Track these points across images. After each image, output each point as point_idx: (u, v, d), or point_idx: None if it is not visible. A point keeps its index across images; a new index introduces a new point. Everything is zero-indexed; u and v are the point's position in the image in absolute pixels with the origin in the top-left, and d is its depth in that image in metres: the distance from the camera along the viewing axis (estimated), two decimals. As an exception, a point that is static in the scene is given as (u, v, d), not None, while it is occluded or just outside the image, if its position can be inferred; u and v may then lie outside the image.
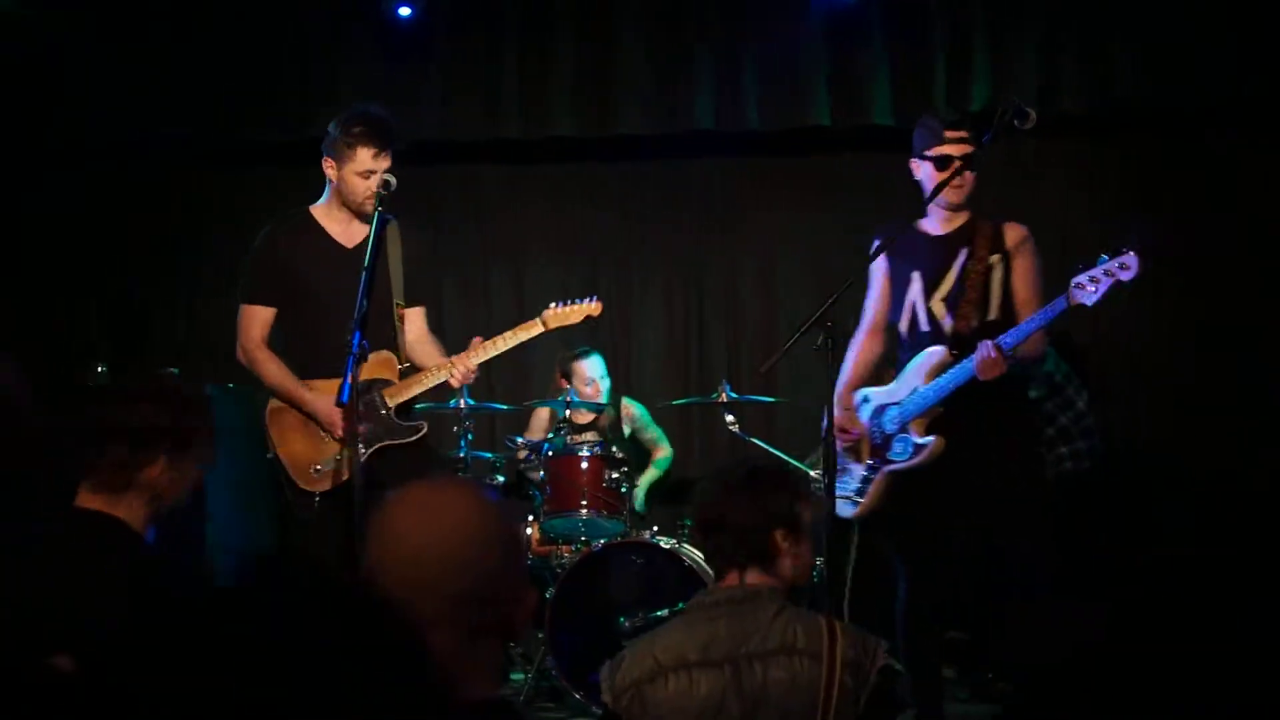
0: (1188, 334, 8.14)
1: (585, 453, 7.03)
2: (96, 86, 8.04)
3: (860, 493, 5.65)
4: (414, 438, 5.55)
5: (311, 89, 8.13)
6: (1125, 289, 5.10)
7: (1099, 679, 5.22)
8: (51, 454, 2.81)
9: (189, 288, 8.84)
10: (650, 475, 8.05)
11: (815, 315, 5.03)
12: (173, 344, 8.74)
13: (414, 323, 5.75)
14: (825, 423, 5.49)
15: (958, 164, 5.46)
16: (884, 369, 5.91)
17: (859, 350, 5.80)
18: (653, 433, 8.18)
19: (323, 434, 5.49)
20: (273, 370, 5.60)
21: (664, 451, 8.16)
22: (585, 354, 7.96)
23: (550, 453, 7.13)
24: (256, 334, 5.64)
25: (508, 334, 5.56)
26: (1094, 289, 5.06)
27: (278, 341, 5.66)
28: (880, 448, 5.61)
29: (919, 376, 5.48)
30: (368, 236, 5.41)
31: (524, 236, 8.79)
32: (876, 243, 5.68)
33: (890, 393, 5.60)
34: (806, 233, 8.68)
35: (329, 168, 5.54)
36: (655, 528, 7.04)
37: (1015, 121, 5.37)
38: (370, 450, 5.46)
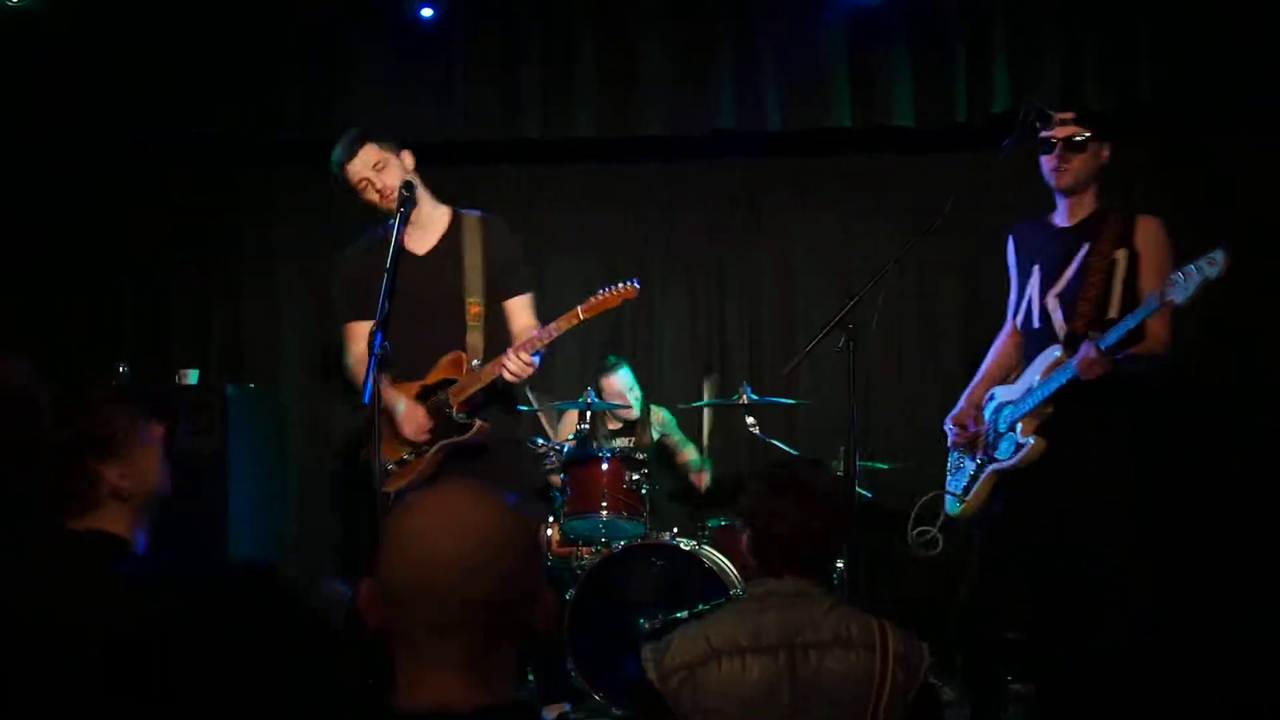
0: (1206, 335, 8.10)
1: (605, 454, 7.03)
2: (119, 85, 8.06)
3: (966, 490, 5.63)
4: (468, 435, 5.55)
5: (332, 89, 8.13)
6: (1211, 285, 5.03)
7: (1122, 678, 5.22)
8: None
9: (211, 287, 8.86)
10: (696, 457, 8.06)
11: (836, 318, 5.01)
12: (194, 344, 8.76)
13: (519, 316, 5.77)
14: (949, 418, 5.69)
15: (1059, 146, 5.41)
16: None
17: (997, 350, 5.82)
18: (678, 437, 8.17)
19: (397, 434, 5.56)
20: (361, 375, 5.67)
21: (690, 455, 8.11)
22: (613, 368, 8.01)
23: (571, 454, 7.14)
24: (358, 348, 5.73)
25: (551, 326, 5.52)
26: (1185, 285, 4.95)
27: None
28: (991, 446, 5.57)
29: (1036, 374, 5.43)
30: (439, 242, 5.66)
31: (544, 237, 8.78)
32: (1010, 239, 5.73)
33: (1011, 391, 5.57)
34: (828, 234, 8.67)
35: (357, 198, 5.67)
36: (675, 529, 7.05)
37: (1038, 124, 5.35)
38: (433, 449, 5.52)
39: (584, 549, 7.18)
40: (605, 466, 6.98)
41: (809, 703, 3.24)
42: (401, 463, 5.54)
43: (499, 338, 5.69)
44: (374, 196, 5.55)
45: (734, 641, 3.30)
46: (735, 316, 8.77)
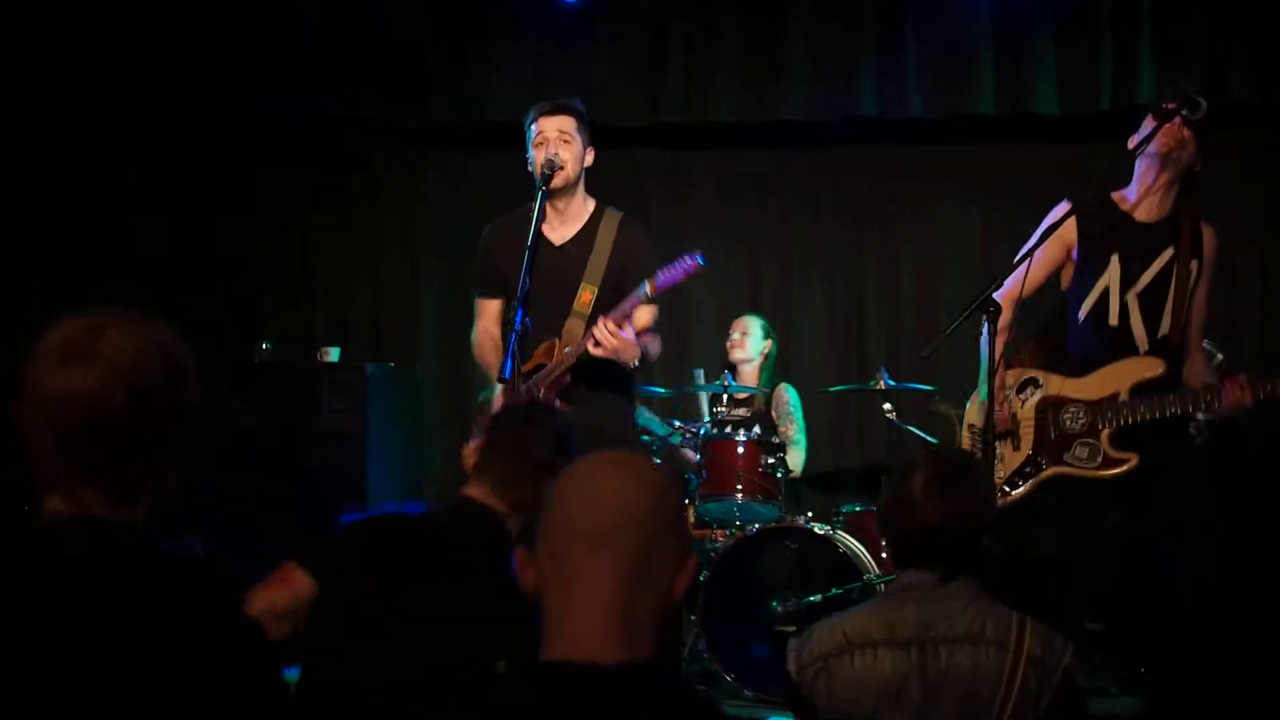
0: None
1: (742, 437, 7.02)
2: (263, 62, 8.24)
3: (1012, 484, 5.42)
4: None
5: (475, 73, 8.23)
6: None
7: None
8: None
9: (353, 266, 9.01)
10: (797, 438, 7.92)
11: (977, 301, 4.91)
12: (335, 322, 8.90)
13: (640, 320, 5.60)
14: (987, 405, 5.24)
15: (1179, 115, 5.22)
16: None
17: (1005, 325, 5.40)
18: (790, 428, 7.91)
19: None
20: (482, 352, 5.81)
21: (796, 455, 7.83)
22: (749, 313, 8.10)
23: (707, 436, 7.14)
24: (482, 324, 5.86)
25: (626, 302, 5.39)
26: None
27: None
28: (1053, 445, 5.36)
29: (1120, 382, 5.27)
30: (576, 234, 5.65)
31: (685, 222, 8.81)
32: (1065, 206, 5.44)
33: (1075, 388, 5.38)
34: (968, 222, 8.63)
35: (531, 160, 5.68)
36: (810, 513, 7.03)
37: (1185, 112, 5.23)
38: None
39: (718, 531, 7.18)
40: (741, 450, 6.96)
41: (939, 698, 3.22)
42: None
43: None
44: (540, 156, 5.53)
45: (867, 635, 3.29)
46: (875, 303, 8.76)
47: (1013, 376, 5.52)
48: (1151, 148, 5.27)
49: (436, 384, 8.60)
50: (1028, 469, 5.41)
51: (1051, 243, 5.39)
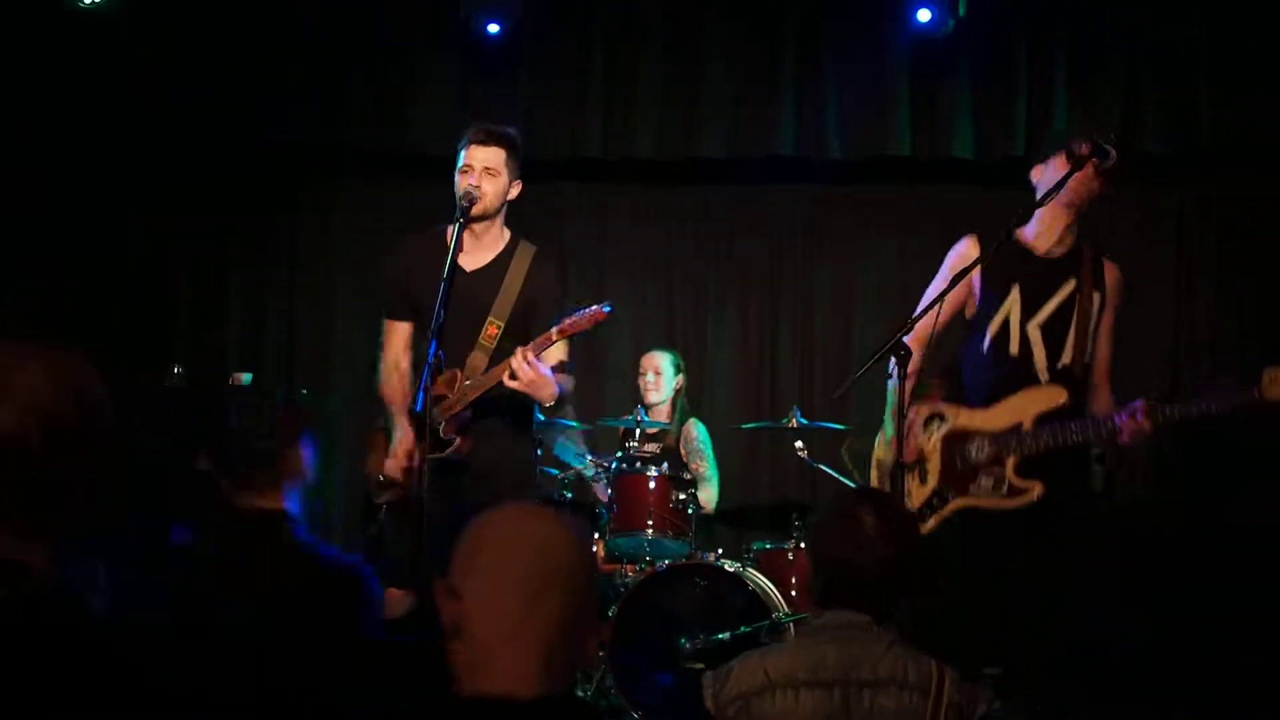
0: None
1: (653, 472, 7.03)
2: (191, 87, 8.15)
3: (922, 516, 5.38)
4: (446, 452, 5.40)
5: (397, 102, 8.24)
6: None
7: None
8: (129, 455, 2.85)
9: (267, 293, 8.94)
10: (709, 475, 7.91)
11: (889, 343, 4.92)
12: (249, 349, 8.82)
13: (555, 356, 5.54)
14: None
15: (1113, 165, 5.22)
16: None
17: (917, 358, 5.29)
18: (701, 465, 7.91)
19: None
20: (388, 385, 5.73)
21: (708, 491, 7.84)
22: (658, 348, 8.07)
23: (618, 472, 7.13)
24: (391, 354, 5.77)
25: (530, 347, 5.31)
26: None
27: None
28: (959, 477, 5.37)
29: (1023, 412, 5.26)
30: (489, 263, 5.60)
31: (603, 255, 8.83)
32: (965, 242, 5.51)
33: (979, 419, 5.38)
34: (883, 262, 8.69)
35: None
36: (720, 550, 7.03)
37: (1095, 159, 5.28)
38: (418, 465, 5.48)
39: (628, 567, 7.16)
40: (652, 485, 6.98)
41: None
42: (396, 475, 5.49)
43: None
44: (463, 182, 5.49)
45: (790, 674, 3.29)
46: (789, 341, 8.80)
47: (920, 412, 5.52)
48: (1063, 196, 5.26)
49: (349, 412, 8.53)
50: (935, 501, 5.41)
51: (957, 283, 5.34)
